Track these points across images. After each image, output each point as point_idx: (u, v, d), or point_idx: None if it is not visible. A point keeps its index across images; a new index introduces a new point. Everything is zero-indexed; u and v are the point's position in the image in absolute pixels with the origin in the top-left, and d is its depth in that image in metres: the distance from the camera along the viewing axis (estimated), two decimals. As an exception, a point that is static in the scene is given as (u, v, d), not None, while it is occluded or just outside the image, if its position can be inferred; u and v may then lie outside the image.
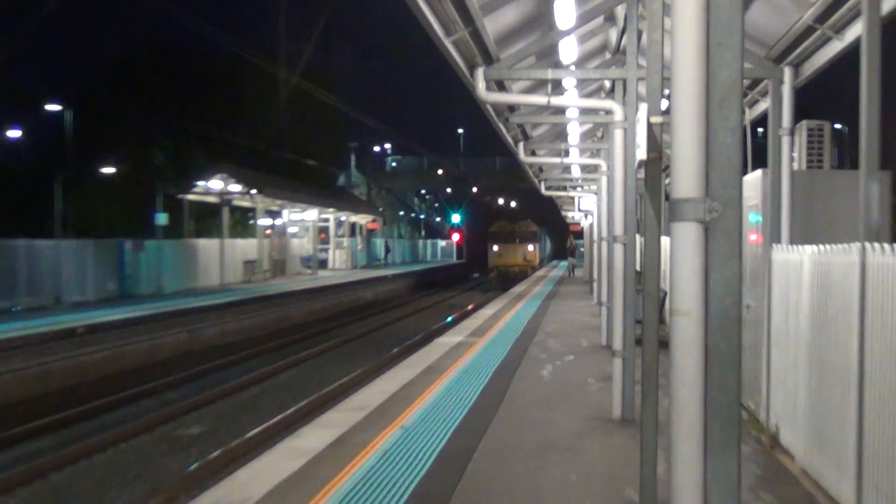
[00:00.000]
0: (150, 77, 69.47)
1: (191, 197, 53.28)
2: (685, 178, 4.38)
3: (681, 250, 4.38)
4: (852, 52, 10.20)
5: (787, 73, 14.20)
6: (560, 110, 21.10)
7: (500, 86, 16.83)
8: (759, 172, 13.37)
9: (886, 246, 7.17)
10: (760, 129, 16.70)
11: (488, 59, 13.96)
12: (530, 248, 73.71)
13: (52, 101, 54.16)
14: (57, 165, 52.77)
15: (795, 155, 14.13)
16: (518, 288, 51.16)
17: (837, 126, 14.90)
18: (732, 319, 4.34)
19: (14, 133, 44.55)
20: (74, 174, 54.59)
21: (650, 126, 8.97)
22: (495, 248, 74.24)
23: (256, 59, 55.49)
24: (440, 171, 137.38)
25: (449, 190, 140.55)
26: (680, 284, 4.38)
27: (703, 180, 4.35)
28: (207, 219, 57.26)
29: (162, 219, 53.33)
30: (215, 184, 52.09)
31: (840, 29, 12.12)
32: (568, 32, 12.52)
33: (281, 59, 51.79)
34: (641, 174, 9.35)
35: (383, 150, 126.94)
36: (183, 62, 72.38)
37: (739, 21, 4.37)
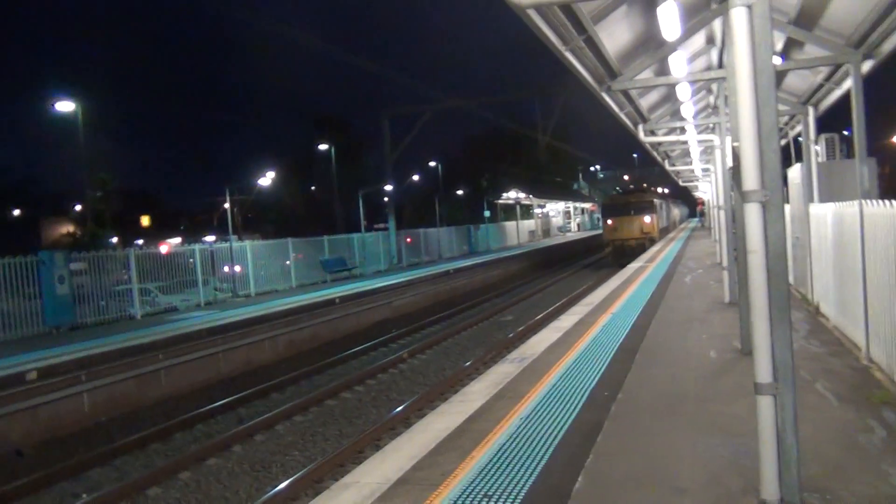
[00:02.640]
0: (482, 145, 73.10)
1: (500, 201, 55.03)
2: (749, 179, 4.09)
3: (750, 218, 4.08)
4: (848, 94, 9.26)
5: (811, 111, 13.09)
6: (683, 141, 20.06)
7: (628, 97, 12.64)
8: (798, 165, 12.37)
9: (874, 202, 6.57)
10: (801, 138, 15.26)
11: (613, 76, 10.10)
12: (647, 219, 36.41)
13: (433, 161, 56.98)
14: (436, 190, 54.61)
15: (820, 150, 12.98)
16: (671, 234, 48.20)
17: (845, 133, 13.49)
18: (780, 255, 4.03)
19: (415, 177, 47.04)
20: (444, 194, 56.43)
21: (733, 148, 8.48)
22: (609, 221, 37.11)
23: (528, 133, 55.86)
24: (626, 177, 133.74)
25: (632, 186, 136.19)
26: (750, 236, 4.10)
27: (760, 179, 4.05)
28: (509, 212, 57.94)
29: (487, 213, 54.22)
30: (512, 194, 53.74)
31: (839, 81, 11.04)
32: (675, 46, 9.35)
33: (540, 131, 51.86)
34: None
35: (596, 169, 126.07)
36: (491, 139, 76.12)
37: (774, 93, 4.02)
